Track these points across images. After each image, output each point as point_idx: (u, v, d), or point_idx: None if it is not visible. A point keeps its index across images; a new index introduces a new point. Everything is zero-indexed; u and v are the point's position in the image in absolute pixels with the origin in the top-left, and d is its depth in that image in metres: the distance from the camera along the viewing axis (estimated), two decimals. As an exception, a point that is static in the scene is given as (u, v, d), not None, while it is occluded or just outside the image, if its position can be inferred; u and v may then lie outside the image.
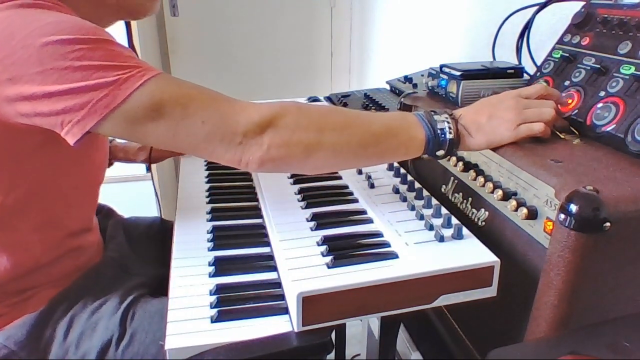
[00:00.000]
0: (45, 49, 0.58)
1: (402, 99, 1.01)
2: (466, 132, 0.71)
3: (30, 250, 0.73)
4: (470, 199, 0.78)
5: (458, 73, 0.87)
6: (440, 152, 0.72)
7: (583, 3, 0.83)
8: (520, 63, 1.01)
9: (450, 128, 0.70)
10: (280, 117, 0.65)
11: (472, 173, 0.76)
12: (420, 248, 0.66)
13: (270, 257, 0.73)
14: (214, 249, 0.76)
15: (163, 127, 0.62)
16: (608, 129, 0.68)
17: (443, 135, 0.70)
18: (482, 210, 0.75)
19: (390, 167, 0.92)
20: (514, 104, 0.71)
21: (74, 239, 0.80)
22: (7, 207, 0.70)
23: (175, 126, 0.62)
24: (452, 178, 0.83)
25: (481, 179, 0.74)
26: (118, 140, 1.11)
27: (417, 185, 0.84)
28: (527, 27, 0.99)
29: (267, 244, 0.76)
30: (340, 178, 0.92)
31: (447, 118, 0.71)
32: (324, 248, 0.68)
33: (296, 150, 0.65)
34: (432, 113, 0.72)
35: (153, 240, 0.99)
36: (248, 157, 0.64)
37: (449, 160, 0.82)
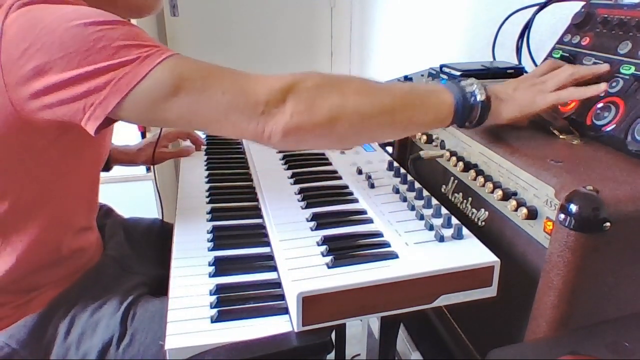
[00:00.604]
0: (67, 33, 0.59)
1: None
2: (497, 98, 0.70)
3: (35, 251, 0.74)
4: (470, 199, 0.78)
5: (458, 73, 0.87)
6: (470, 122, 0.70)
7: (583, 3, 0.83)
8: (520, 63, 1.01)
9: (480, 90, 0.68)
10: (301, 82, 0.64)
11: (472, 173, 0.76)
12: (420, 248, 0.66)
13: (270, 257, 0.73)
14: (214, 249, 0.75)
15: (184, 101, 0.61)
16: (608, 129, 0.68)
17: (473, 97, 0.68)
18: (482, 210, 0.75)
19: (390, 167, 0.92)
20: (532, 80, 0.73)
21: (77, 238, 0.80)
22: (18, 208, 0.70)
23: (197, 99, 0.62)
24: (452, 178, 0.83)
25: (481, 179, 0.74)
26: (116, 144, 1.11)
27: (417, 185, 0.84)
28: (527, 27, 0.99)
29: (267, 244, 0.76)
30: (340, 178, 0.92)
31: (475, 81, 0.69)
32: (324, 248, 0.68)
33: (320, 115, 0.63)
34: (458, 81, 0.70)
35: (153, 241, 0.99)
36: (271, 127, 0.62)
37: (449, 160, 0.82)
